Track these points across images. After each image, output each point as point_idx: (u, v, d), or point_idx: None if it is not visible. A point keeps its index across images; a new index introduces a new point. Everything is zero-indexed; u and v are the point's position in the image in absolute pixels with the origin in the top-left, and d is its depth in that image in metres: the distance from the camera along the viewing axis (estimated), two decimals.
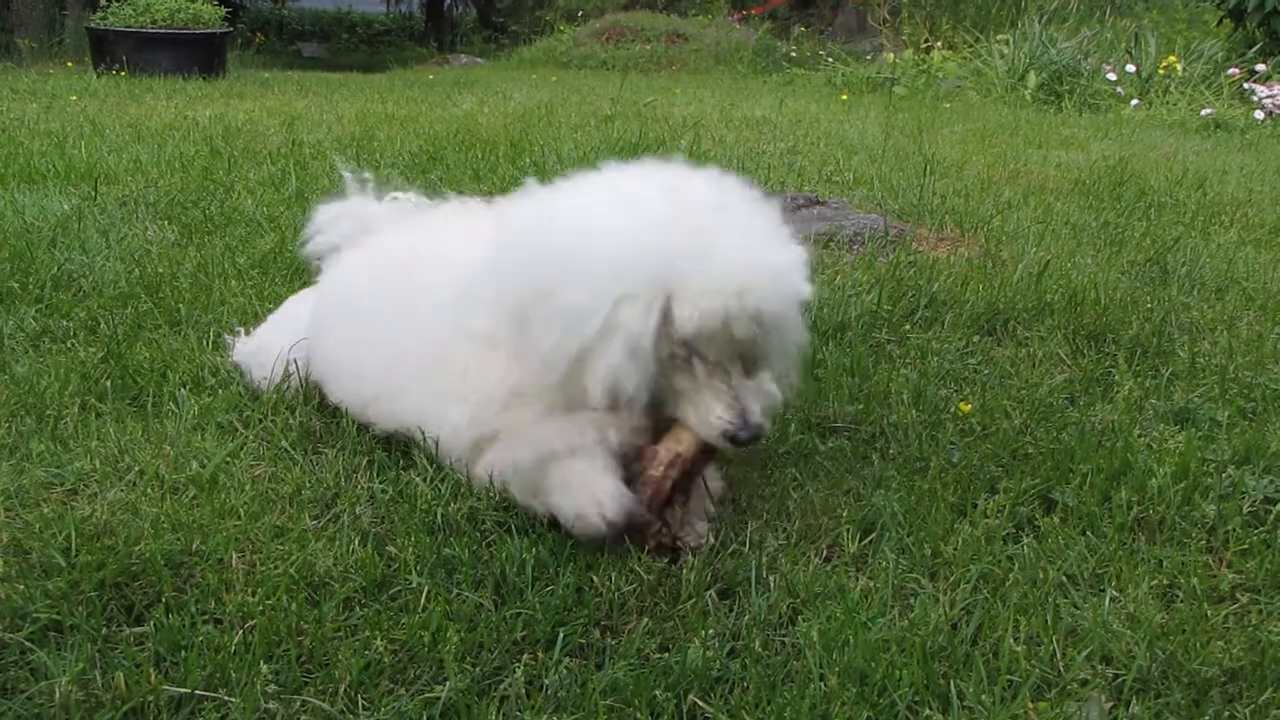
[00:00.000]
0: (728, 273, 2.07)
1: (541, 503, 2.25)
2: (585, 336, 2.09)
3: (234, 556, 2.12)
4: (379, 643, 1.89)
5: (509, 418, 2.31)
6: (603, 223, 2.17)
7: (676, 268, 2.08)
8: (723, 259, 2.09)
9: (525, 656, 1.90)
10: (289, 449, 2.60)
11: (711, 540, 2.27)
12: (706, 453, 2.26)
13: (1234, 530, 2.42)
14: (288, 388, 2.86)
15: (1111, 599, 2.14)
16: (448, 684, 1.81)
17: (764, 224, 2.22)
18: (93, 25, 12.56)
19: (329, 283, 3.00)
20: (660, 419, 2.27)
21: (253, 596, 2.00)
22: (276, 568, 2.10)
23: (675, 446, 2.23)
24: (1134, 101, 11.33)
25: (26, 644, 1.86)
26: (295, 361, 2.88)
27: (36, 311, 3.51)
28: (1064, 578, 2.21)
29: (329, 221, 3.14)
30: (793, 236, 2.26)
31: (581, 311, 2.09)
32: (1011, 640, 1.98)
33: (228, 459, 2.53)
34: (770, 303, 2.11)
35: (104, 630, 1.91)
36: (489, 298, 2.31)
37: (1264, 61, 11.71)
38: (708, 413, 2.17)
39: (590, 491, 2.15)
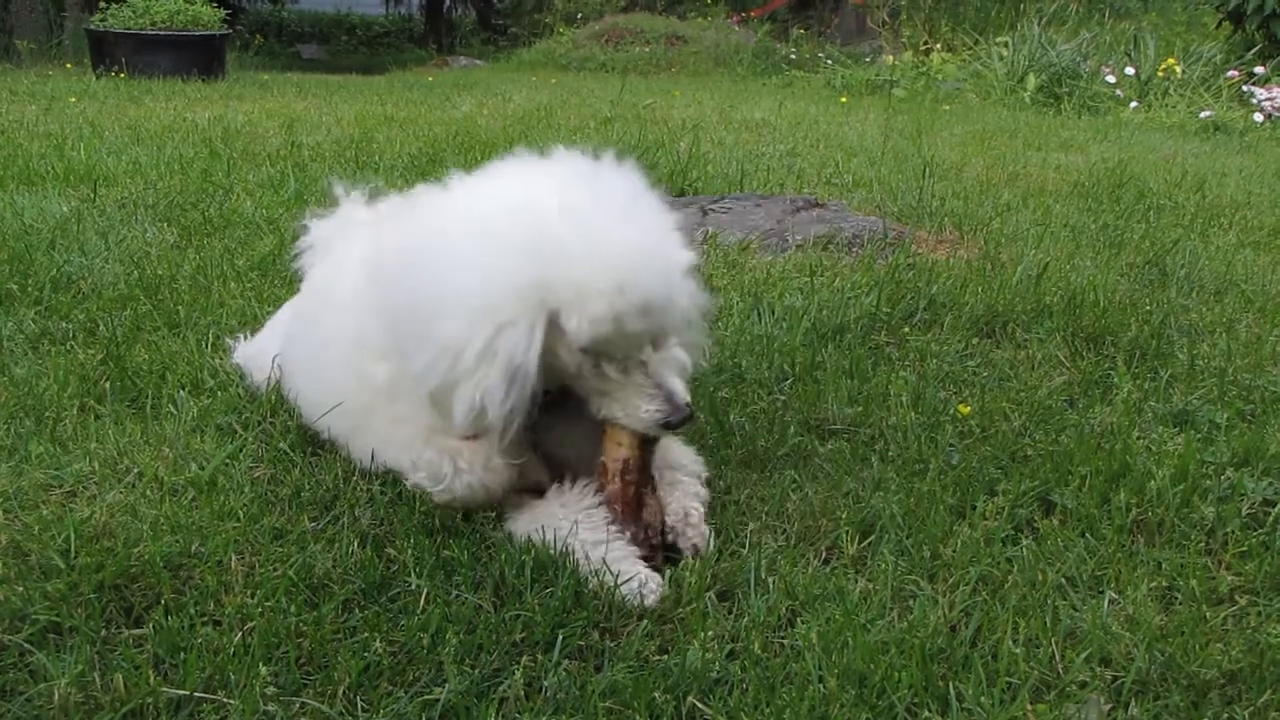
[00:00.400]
0: (604, 274, 2.02)
1: None
2: (462, 364, 2.05)
3: (233, 558, 2.12)
4: (378, 644, 1.89)
5: (457, 457, 2.32)
6: (467, 252, 2.11)
7: (552, 283, 2.03)
8: (595, 260, 2.03)
9: (524, 658, 1.90)
10: (288, 451, 2.60)
11: (713, 546, 2.26)
12: (649, 441, 2.27)
13: (1233, 532, 2.42)
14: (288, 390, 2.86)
15: (1110, 601, 2.14)
16: (447, 686, 1.81)
17: (626, 206, 2.14)
18: (92, 27, 12.56)
19: (297, 299, 3.03)
20: (546, 444, 2.32)
21: (252, 598, 2.00)
22: (276, 569, 2.10)
23: (619, 453, 2.25)
24: (1133, 104, 11.33)
25: (26, 646, 1.86)
26: (279, 369, 2.89)
27: (35, 313, 3.51)
28: (1063, 580, 2.21)
29: (322, 237, 3.11)
30: (655, 202, 2.22)
31: (458, 342, 2.05)
32: (1010, 642, 1.98)
33: (227, 461, 2.53)
34: (656, 287, 2.07)
35: (103, 632, 1.92)
36: (383, 345, 2.30)
37: (1263, 64, 11.72)
38: (635, 409, 2.17)
39: (627, 579, 2.13)
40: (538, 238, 2.05)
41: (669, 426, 2.18)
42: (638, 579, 2.10)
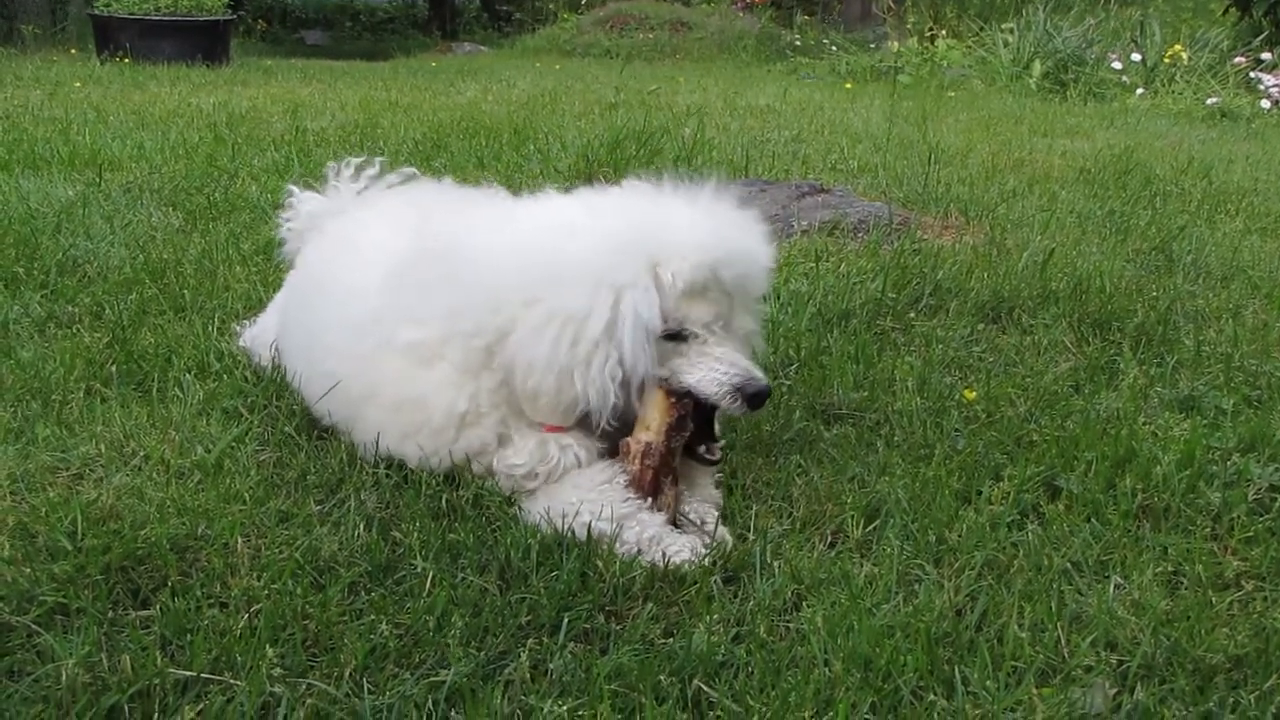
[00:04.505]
0: (702, 228, 2.25)
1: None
2: (588, 336, 2.16)
3: (239, 541, 2.13)
4: (384, 627, 1.89)
5: (468, 441, 2.34)
6: (581, 227, 2.27)
7: (655, 239, 2.22)
8: (693, 220, 2.26)
9: (530, 641, 1.90)
10: (294, 434, 2.60)
11: (727, 537, 2.27)
12: (678, 429, 2.30)
13: (1239, 517, 2.42)
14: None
15: (1116, 586, 2.14)
16: (452, 668, 1.81)
17: (717, 198, 2.36)
18: (96, 12, 12.53)
19: (290, 279, 3.07)
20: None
21: (258, 580, 2.01)
22: (282, 552, 2.10)
23: (645, 436, 2.28)
24: (1139, 90, 11.29)
25: (33, 627, 1.86)
26: (276, 350, 2.90)
27: (42, 297, 3.51)
28: (1069, 564, 2.21)
29: (311, 215, 3.14)
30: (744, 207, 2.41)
31: (580, 311, 2.16)
32: (1016, 626, 1.98)
33: (233, 444, 2.54)
34: (744, 245, 2.31)
35: (110, 613, 1.92)
36: (426, 312, 2.32)
37: (1270, 50, 11.67)
38: (711, 375, 2.27)
39: (676, 543, 2.19)
40: (643, 212, 2.29)
41: (745, 394, 2.26)
42: (686, 546, 2.17)
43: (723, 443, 2.41)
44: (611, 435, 2.33)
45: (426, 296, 2.33)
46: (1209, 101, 10.48)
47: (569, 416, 2.27)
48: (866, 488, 2.49)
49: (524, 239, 2.30)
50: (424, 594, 2.01)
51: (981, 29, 14.55)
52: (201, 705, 1.72)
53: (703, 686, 1.81)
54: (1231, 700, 1.84)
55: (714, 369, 2.26)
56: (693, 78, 13.32)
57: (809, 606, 2.03)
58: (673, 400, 2.29)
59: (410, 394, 2.33)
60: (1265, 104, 10.38)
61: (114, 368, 2.94)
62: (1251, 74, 11.22)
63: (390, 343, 2.33)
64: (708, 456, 2.37)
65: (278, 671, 1.78)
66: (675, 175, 2.40)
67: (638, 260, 2.20)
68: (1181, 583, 2.18)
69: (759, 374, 2.29)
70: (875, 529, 2.33)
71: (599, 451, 2.34)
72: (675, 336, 2.27)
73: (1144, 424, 2.89)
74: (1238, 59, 11.59)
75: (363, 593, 2.02)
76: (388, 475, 2.40)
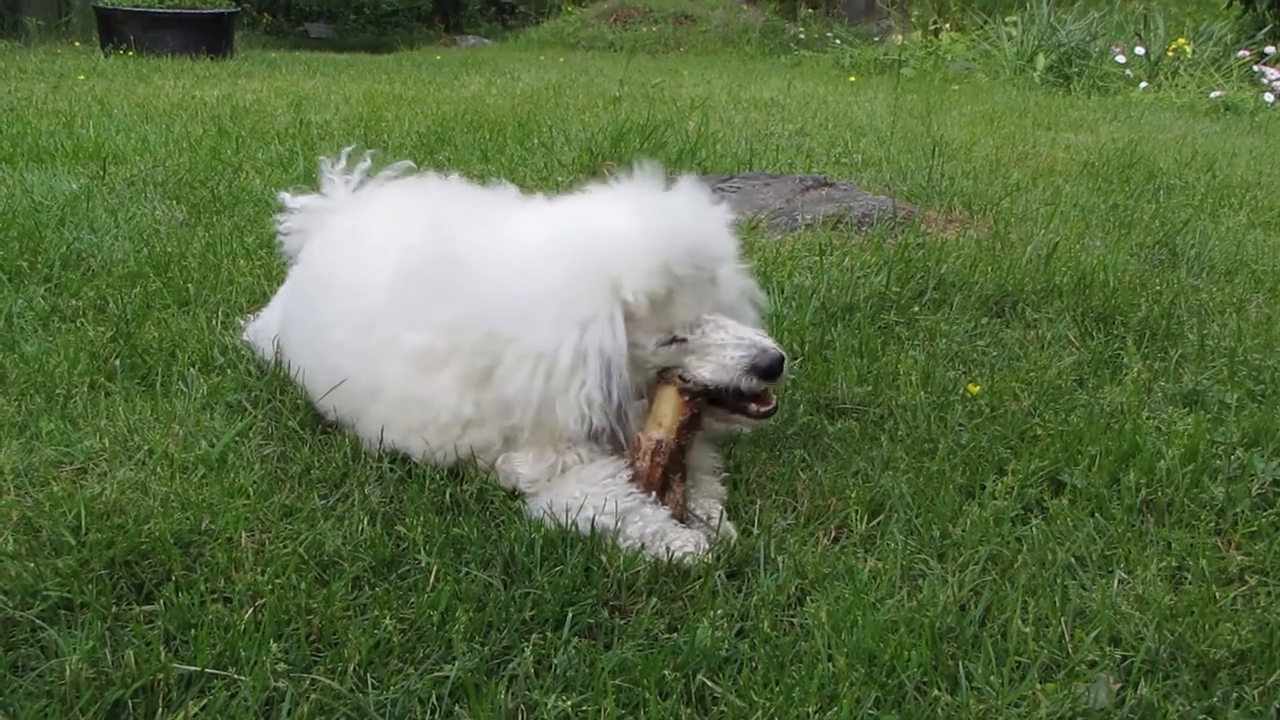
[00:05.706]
0: (646, 230, 2.18)
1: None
2: (558, 374, 2.17)
3: (243, 535, 2.13)
4: (388, 622, 1.89)
5: (473, 439, 2.35)
6: (542, 262, 2.24)
7: (610, 262, 2.18)
8: (639, 227, 2.19)
9: (534, 636, 1.90)
10: (297, 428, 2.60)
11: (732, 532, 2.26)
12: (691, 427, 2.30)
13: (1243, 512, 2.42)
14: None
15: (1120, 580, 2.14)
16: (456, 663, 1.81)
17: (665, 188, 2.32)
18: (100, 5, 12.52)
19: (293, 274, 3.06)
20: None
21: (262, 575, 2.01)
22: (286, 547, 2.10)
23: (656, 433, 2.27)
24: (1143, 84, 11.28)
25: (37, 622, 1.86)
26: (278, 344, 2.90)
27: (45, 290, 3.51)
28: (1072, 559, 2.21)
29: (311, 211, 3.14)
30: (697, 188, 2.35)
31: (550, 346, 2.17)
32: (1020, 621, 1.98)
33: (237, 438, 2.54)
34: (692, 229, 2.23)
35: (114, 608, 1.92)
36: (432, 319, 2.32)
37: (1274, 43, 11.65)
38: (722, 360, 2.25)
39: (679, 538, 2.17)
40: (595, 232, 2.23)
41: (759, 370, 2.23)
42: (691, 540, 2.15)
43: (771, 387, 2.33)
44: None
45: (433, 302, 2.32)
46: (1212, 95, 10.47)
47: (560, 442, 2.28)
48: (870, 482, 2.49)
49: (504, 267, 2.28)
50: (428, 589, 2.01)
51: (985, 22, 14.53)
52: (205, 700, 1.72)
53: (706, 681, 1.81)
54: (1235, 695, 1.84)
55: (720, 357, 2.24)
56: (696, 71, 13.29)
57: (813, 601, 2.03)
58: (686, 399, 2.28)
59: (416, 393, 2.33)
60: (1269, 97, 10.37)
61: (117, 362, 2.94)
62: (1255, 67, 11.21)
63: (396, 342, 2.33)
64: (761, 409, 2.33)
65: (281, 666, 1.78)
66: (613, 170, 2.40)
67: (598, 290, 2.18)
68: (1185, 577, 2.18)
69: (767, 343, 2.26)
70: (879, 524, 2.34)
71: (604, 449, 2.34)
72: (671, 342, 2.26)
73: (1148, 419, 2.89)
74: (1241, 53, 11.57)
75: (367, 587, 2.02)
76: (392, 470, 2.41)
